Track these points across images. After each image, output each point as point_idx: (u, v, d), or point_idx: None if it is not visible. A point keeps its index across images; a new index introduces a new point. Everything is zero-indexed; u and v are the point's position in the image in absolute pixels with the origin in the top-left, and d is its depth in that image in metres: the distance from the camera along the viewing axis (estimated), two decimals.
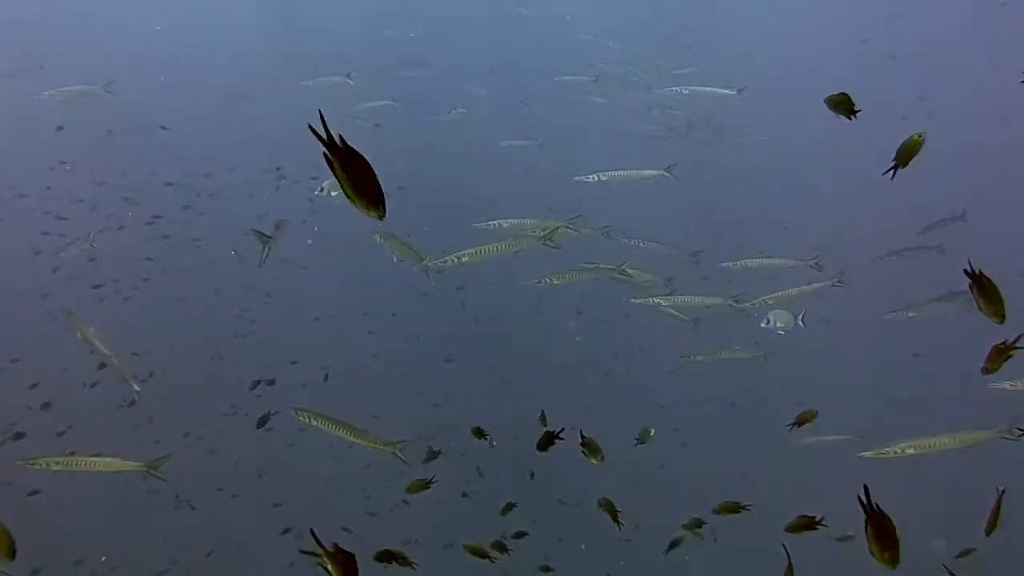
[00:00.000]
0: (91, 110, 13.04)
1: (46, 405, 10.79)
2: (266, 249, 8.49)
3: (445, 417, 11.74)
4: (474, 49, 19.64)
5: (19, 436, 10.12)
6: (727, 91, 12.16)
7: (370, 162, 2.46)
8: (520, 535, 8.77)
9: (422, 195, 14.81)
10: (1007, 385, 6.96)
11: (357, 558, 3.39)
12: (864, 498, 3.23)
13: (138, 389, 9.34)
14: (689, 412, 13.04)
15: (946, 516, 10.93)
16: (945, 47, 18.38)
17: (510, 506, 8.94)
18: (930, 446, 6.47)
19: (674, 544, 8.44)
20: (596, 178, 9.82)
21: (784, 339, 9.70)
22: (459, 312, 14.40)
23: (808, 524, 5.97)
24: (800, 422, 7.42)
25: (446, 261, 7.44)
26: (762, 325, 9.38)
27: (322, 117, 2.38)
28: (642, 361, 13.83)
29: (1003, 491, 5.66)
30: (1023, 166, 16.65)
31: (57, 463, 6.71)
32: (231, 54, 18.31)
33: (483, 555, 7.67)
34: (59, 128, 13.22)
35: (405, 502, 9.82)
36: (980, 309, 4.12)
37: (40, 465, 6.65)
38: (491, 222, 8.59)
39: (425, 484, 7.39)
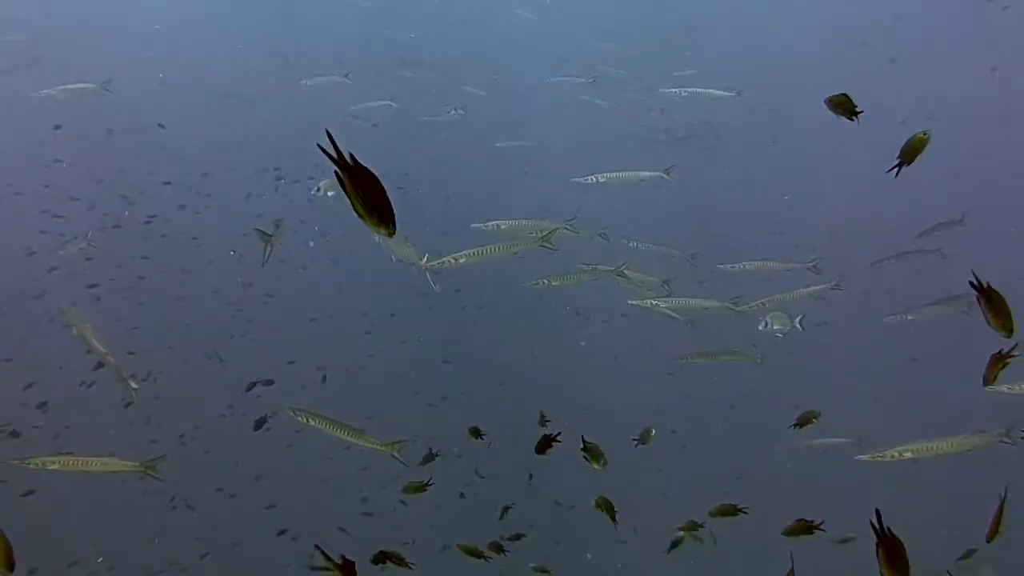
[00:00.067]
0: (89, 109, 12.99)
1: (42, 405, 10.75)
2: (268, 248, 8.47)
3: (443, 418, 11.71)
4: (473, 49, 19.62)
5: (15, 435, 10.08)
6: (726, 93, 12.16)
7: (380, 179, 2.44)
8: (517, 537, 8.74)
9: (420, 196, 14.80)
10: (1005, 388, 6.94)
11: (355, 559, 3.38)
12: (876, 522, 3.21)
13: (136, 387, 9.32)
14: (687, 414, 13.03)
15: (945, 517, 10.94)
16: (946, 50, 18.39)
17: (507, 509, 8.92)
18: (928, 450, 6.46)
19: (675, 544, 8.41)
20: (595, 179, 9.82)
21: (782, 342, 9.68)
22: (457, 313, 14.39)
23: (806, 528, 5.94)
24: (802, 423, 7.39)
25: (443, 262, 7.41)
26: (760, 328, 9.37)
27: (331, 136, 2.35)
28: (640, 363, 13.81)
29: (1005, 496, 5.59)
30: (1023, 169, 16.66)
31: (53, 463, 6.68)
32: (230, 53, 18.29)
33: (479, 555, 7.65)
34: (57, 127, 13.17)
35: (403, 503, 9.81)
36: (988, 322, 4.05)
37: (36, 465, 6.62)
38: (489, 223, 8.59)
39: (422, 487, 7.36)
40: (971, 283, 3.86)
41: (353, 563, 3.25)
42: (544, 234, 8.04)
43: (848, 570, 9.50)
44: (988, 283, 3.92)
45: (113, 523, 11.12)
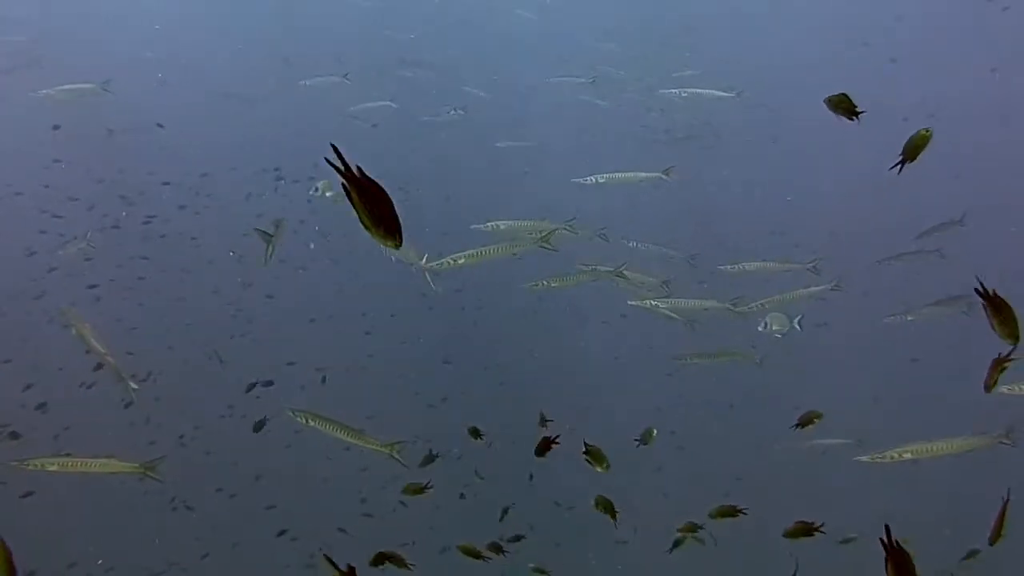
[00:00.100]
0: (89, 109, 12.99)
1: (41, 406, 10.74)
2: (270, 248, 8.47)
3: (443, 418, 11.72)
4: (473, 49, 19.61)
5: (15, 436, 10.08)
6: (726, 94, 12.15)
7: (388, 192, 2.44)
8: (516, 539, 8.74)
9: (420, 196, 14.79)
10: (1005, 390, 6.94)
11: (356, 564, 3.39)
12: (885, 537, 3.21)
13: (136, 387, 9.32)
14: (686, 415, 13.03)
15: (947, 518, 10.93)
16: (946, 50, 18.37)
17: (506, 511, 8.92)
18: (927, 451, 6.45)
19: (676, 544, 8.41)
20: (594, 180, 9.82)
21: (782, 342, 9.68)
22: (457, 314, 14.39)
23: (806, 530, 5.94)
24: (804, 423, 7.38)
25: (443, 263, 7.41)
26: (759, 329, 9.36)
27: (336, 149, 2.35)
28: (639, 363, 13.81)
29: (1007, 499, 5.56)
30: (1023, 169, 16.65)
31: (52, 464, 6.68)
32: (230, 53, 18.27)
33: (478, 556, 7.66)
34: (56, 127, 13.16)
35: (403, 503, 9.81)
36: (993, 329, 4.00)
37: (35, 466, 6.62)
38: (488, 223, 8.58)
39: (421, 489, 7.37)
40: (976, 290, 3.81)
41: (354, 570, 3.27)
42: (544, 235, 8.04)
43: (850, 570, 9.51)
44: (994, 290, 3.86)
45: (113, 524, 11.12)
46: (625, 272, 9.20)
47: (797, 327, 9.44)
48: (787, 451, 11.82)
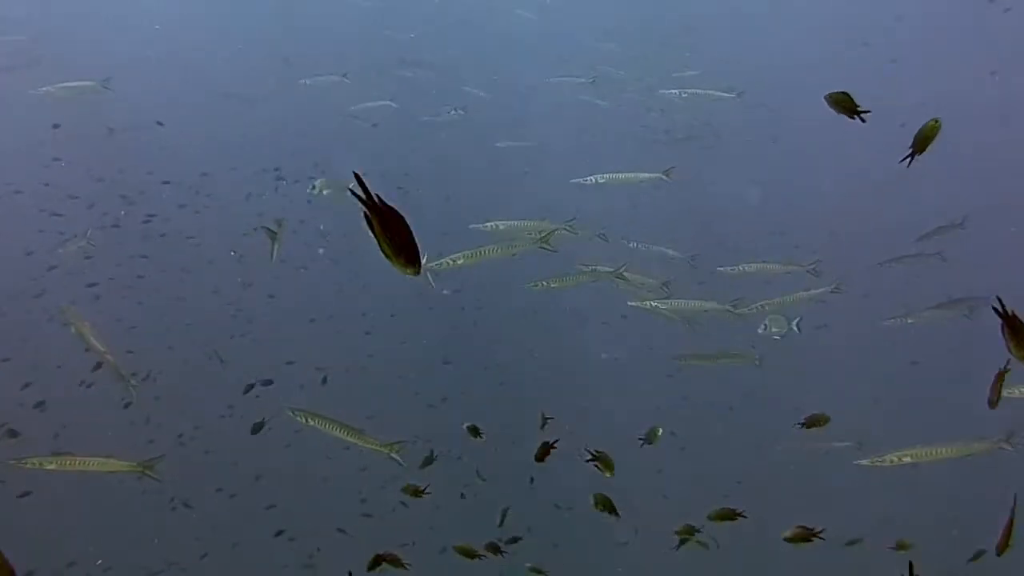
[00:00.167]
0: (89, 108, 12.99)
1: (40, 404, 10.73)
2: (275, 246, 8.47)
3: (443, 418, 11.70)
4: (473, 49, 19.60)
5: (13, 434, 10.07)
6: (726, 95, 12.15)
7: (407, 220, 2.45)
8: (514, 540, 8.73)
9: (420, 196, 14.78)
10: (1005, 392, 6.93)
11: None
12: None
13: (135, 384, 9.33)
14: (687, 416, 13.01)
15: (952, 519, 10.93)
16: (946, 51, 18.37)
17: (505, 514, 8.91)
18: (927, 455, 6.46)
19: (682, 543, 8.39)
20: (594, 180, 9.81)
21: (782, 344, 9.68)
22: (457, 314, 14.38)
23: (806, 536, 5.93)
24: (809, 424, 7.36)
25: (442, 263, 7.40)
26: (759, 331, 9.37)
27: (360, 179, 2.35)
28: (639, 364, 13.80)
29: (1015, 506, 5.49)
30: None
31: (50, 463, 6.68)
32: (230, 53, 18.27)
33: (474, 556, 7.66)
34: (56, 126, 13.15)
35: (403, 504, 9.80)
36: (1009, 351, 3.88)
37: (33, 465, 6.62)
38: (488, 223, 8.58)
39: (420, 491, 7.38)
40: (995, 309, 3.70)
41: None
42: (543, 235, 8.04)
43: (855, 571, 9.52)
44: (1013, 310, 3.74)
45: (112, 523, 11.11)
46: (625, 273, 9.20)
47: (796, 329, 9.44)
48: (787, 452, 11.82)
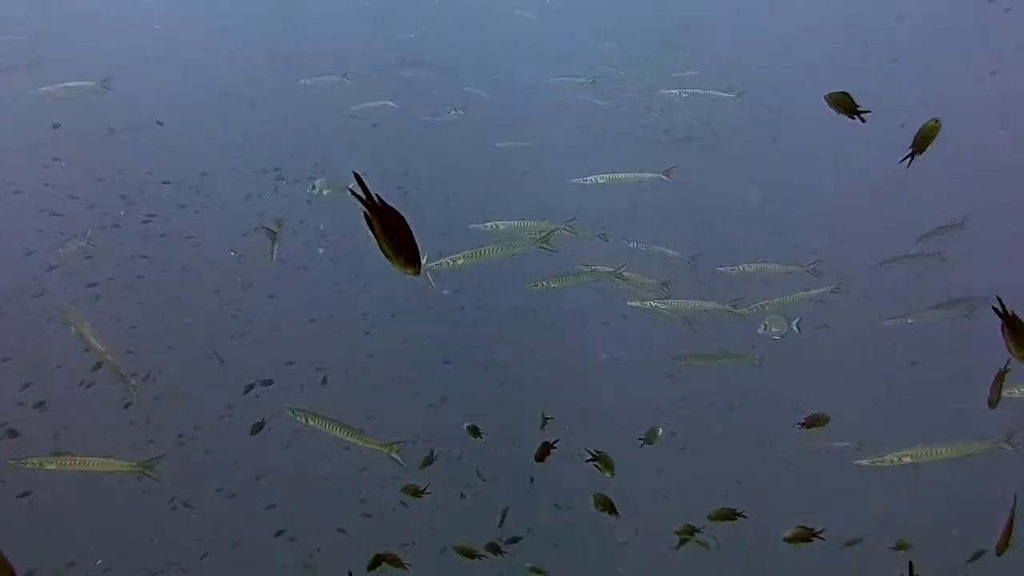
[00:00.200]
0: (89, 108, 12.99)
1: (40, 404, 10.73)
2: (275, 246, 8.48)
3: (443, 418, 11.70)
4: (473, 49, 19.60)
5: (13, 434, 10.07)
6: (726, 95, 12.15)
7: (407, 220, 2.46)
8: (514, 540, 8.73)
9: (420, 196, 14.78)
10: (1004, 392, 6.93)
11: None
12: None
13: (135, 384, 9.34)
14: (687, 416, 13.01)
15: (952, 519, 10.92)
16: (947, 51, 18.37)
17: (505, 515, 8.91)
18: (927, 455, 6.46)
19: (683, 542, 8.38)
20: (594, 180, 9.81)
21: (782, 344, 9.67)
22: (457, 314, 14.37)
23: (806, 536, 5.93)
24: (810, 424, 7.36)
25: (441, 263, 7.40)
26: (759, 331, 9.37)
27: (360, 179, 2.35)
28: (639, 364, 13.80)
29: (1015, 506, 5.47)
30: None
31: (50, 463, 6.68)
32: (230, 53, 18.27)
33: (474, 556, 7.66)
34: (56, 126, 13.15)
35: (403, 504, 9.80)
36: (1009, 351, 3.87)
37: (33, 465, 6.62)
38: (488, 223, 8.58)
39: (419, 492, 7.39)
40: (995, 309, 3.69)
41: None
42: (543, 235, 8.03)
43: (854, 571, 9.52)
44: (1013, 310, 3.73)
45: (112, 523, 11.11)
46: (625, 273, 9.20)
47: (796, 329, 9.44)
48: (787, 452, 11.82)
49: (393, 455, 6.83)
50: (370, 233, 2.48)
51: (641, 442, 7.67)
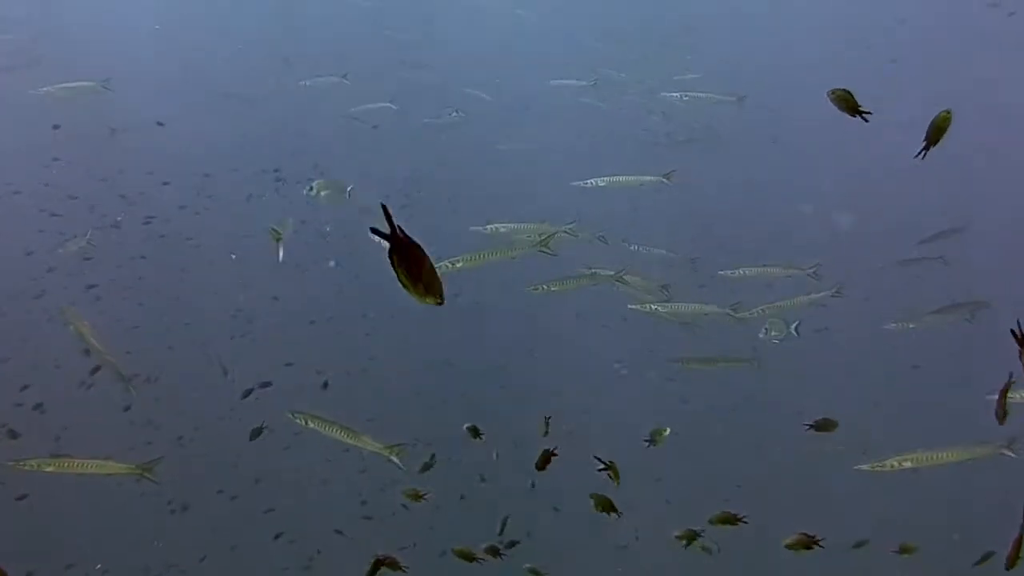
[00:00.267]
0: (89, 108, 12.97)
1: (39, 406, 10.71)
2: (280, 246, 8.48)
3: (443, 421, 11.68)
4: (473, 51, 19.59)
5: (13, 435, 10.06)
6: (727, 98, 12.15)
7: (426, 251, 2.44)
8: (512, 544, 8.72)
9: (420, 198, 14.77)
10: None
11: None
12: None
13: (135, 386, 9.34)
14: (687, 418, 12.99)
15: (955, 522, 10.90)
16: (948, 53, 18.36)
17: (505, 522, 8.91)
18: (928, 459, 6.45)
19: (689, 542, 8.34)
20: (595, 183, 9.81)
21: (783, 347, 9.66)
22: (458, 316, 14.34)
23: (807, 543, 5.93)
24: (819, 428, 7.34)
25: (441, 266, 7.38)
26: (760, 335, 9.37)
27: (386, 210, 2.33)
28: (640, 367, 13.78)
29: None
30: None
31: (49, 465, 6.67)
32: (230, 53, 18.26)
33: (472, 559, 7.66)
34: (56, 126, 13.14)
35: (404, 506, 9.79)
36: None
37: (32, 467, 6.61)
38: (489, 226, 8.58)
39: (419, 496, 7.39)
40: (1012, 332, 3.63)
41: None
42: (543, 238, 8.02)
43: (857, 574, 9.50)
44: None
45: (111, 526, 11.08)
46: (625, 276, 9.19)
47: (794, 332, 9.44)
48: (788, 456, 11.80)
49: (393, 458, 6.82)
50: (392, 267, 2.46)
51: (647, 443, 7.62)
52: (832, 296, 9.64)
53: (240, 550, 11.34)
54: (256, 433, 9.55)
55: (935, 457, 6.51)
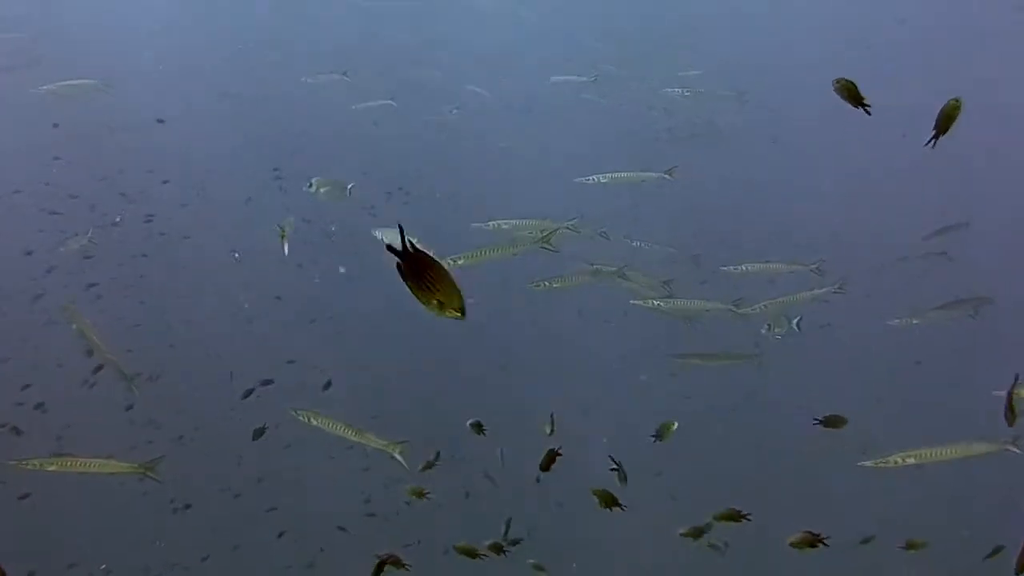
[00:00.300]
0: (89, 107, 12.96)
1: (40, 405, 10.70)
2: (285, 243, 8.47)
3: (446, 418, 11.66)
4: (474, 49, 19.58)
5: (16, 431, 10.05)
6: (728, 94, 12.14)
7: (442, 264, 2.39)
8: (515, 542, 8.71)
9: (420, 196, 14.75)
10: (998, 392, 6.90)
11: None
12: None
13: (137, 385, 9.33)
14: (689, 415, 12.96)
15: (962, 519, 10.88)
16: (949, 53, 18.35)
17: (509, 524, 8.89)
18: (931, 456, 6.43)
19: (696, 538, 8.31)
20: (597, 180, 9.80)
21: (785, 343, 9.65)
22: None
23: (811, 541, 5.91)
24: (827, 424, 7.32)
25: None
26: (762, 332, 9.36)
27: (402, 230, 2.30)
28: (642, 363, 13.77)
29: None
30: None
31: (51, 464, 6.66)
32: (230, 51, 18.25)
33: (475, 555, 7.65)
34: (55, 125, 13.13)
35: (407, 504, 9.78)
36: None
37: (34, 466, 6.60)
38: (490, 223, 8.57)
39: (422, 493, 7.39)
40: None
41: None
42: (545, 235, 8.01)
43: (859, 572, 9.48)
44: None
45: (113, 525, 11.07)
46: (627, 272, 9.19)
47: (796, 328, 9.43)
48: (790, 453, 11.79)
49: (396, 455, 6.82)
50: (404, 282, 2.43)
51: (653, 438, 7.59)
52: (835, 292, 9.62)
53: (243, 549, 11.33)
54: (259, 433, 9.53)
55: (939, 453, 6.49)
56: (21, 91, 11.90)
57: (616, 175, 9.84)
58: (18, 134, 13.64)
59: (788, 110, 17.15)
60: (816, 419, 7.29)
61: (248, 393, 10.66)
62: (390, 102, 16.07)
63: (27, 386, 10.87)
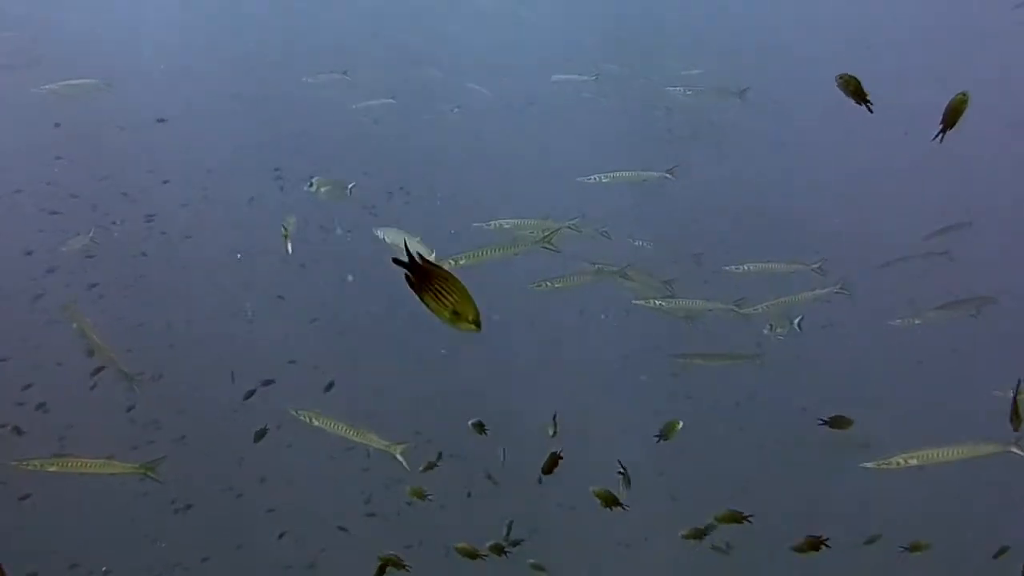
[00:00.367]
0: (90, 106, 12.95)
1: (41, 406, 10.70)
2: (288, 242, 8.46)
3: (447, 418, 11.65)
4: (474, 49, 19.57)
5: (18, 431, 10.05)
6: (730, 92, 12.12)
7: (453, 274, 2.35)
8: (517, 543, 8.70)
9: (421, 195, 14.74)
10: (999, 393, 6.88)
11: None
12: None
13: (138, 385, 9.32)
14: (691, 415, 12.94)
15: (966, 519, 10.87)
16: (949, 53, 18.32)
17: (511, 526, 8.89)
18: (934, 456, 6.41)
19: (699, 540, 8.30)
20: (598, 179, 9.78)
21: (787, 343, 9.64)
22: None
23: (814, 544, 5.91)
24: (833, 425, 7.30)
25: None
26: (764, 332, 9.35)
27: (407, 247, 2.28)
28: (643, 363, 13.75)
29: None
30: None
31: (52, 464, 6.66)
32: (231, 51, 18.24)
33: (476, 556, 7.65)
34: (57, 124, 13.12)
35: (408, 504, 9.77)
36: None
37: (35, 466, 6.60)
38: (492, 222, 8.56)
39: (423, 494, 7.39)
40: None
41: None
42: (546, 235, 8.00)
43: (871, 572, 9.47)
44: None
45: (114, 525, 11.08)
46: (629, 271, 9.18)
47: (797, 328, 9.42)
48: (792, 454, 11.77)
49: (398, 455, 6.81)
50: (414, 294, 2.40)
51: (657, 438, 7.58)
52: (836, 292, 9.60)
53: (244, 549, 11.33)
54: (260, 435, 9.52)
55: (942, 454, 6.46)
56: (22, 91, 11.87)
57: (617, 174, 9.83)
58: (19, 134, 13.62)
59: (790, 110, 17.12)
60: (822, 420, 7.26)
61: (250, 394, 10.65)
62: (391, 101, 16.06)
63: (28, 386, 10.87)
